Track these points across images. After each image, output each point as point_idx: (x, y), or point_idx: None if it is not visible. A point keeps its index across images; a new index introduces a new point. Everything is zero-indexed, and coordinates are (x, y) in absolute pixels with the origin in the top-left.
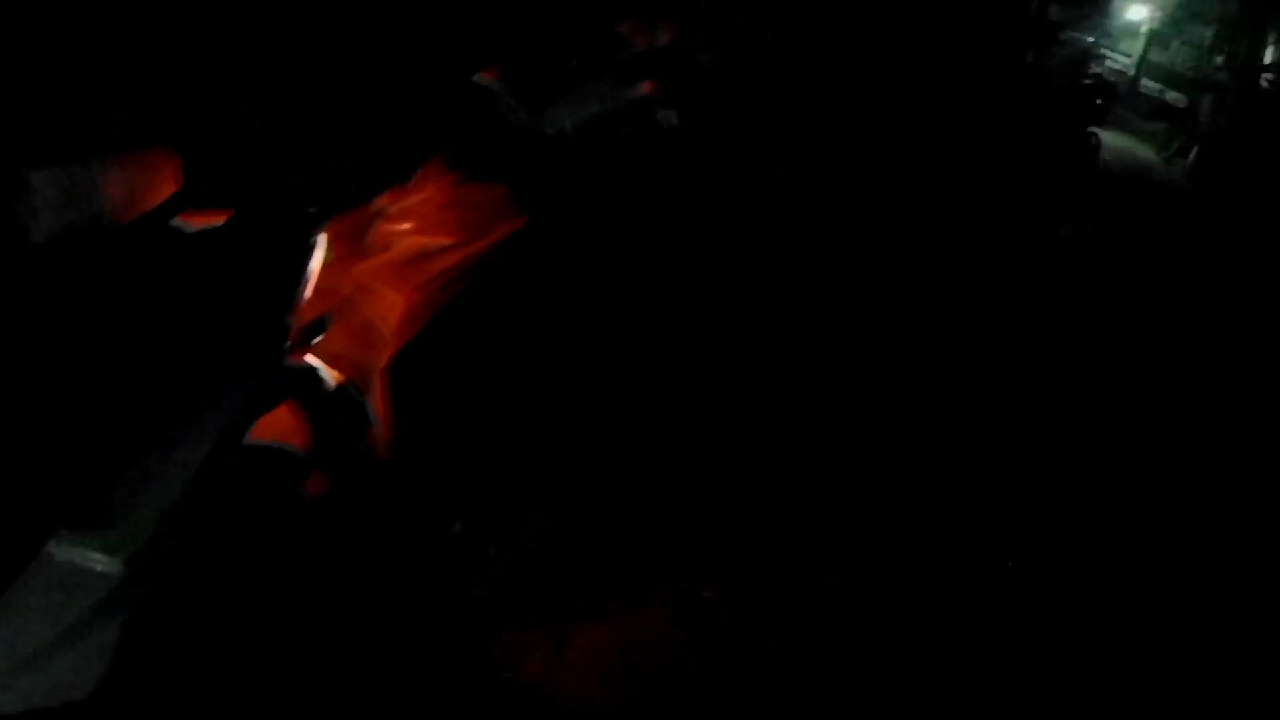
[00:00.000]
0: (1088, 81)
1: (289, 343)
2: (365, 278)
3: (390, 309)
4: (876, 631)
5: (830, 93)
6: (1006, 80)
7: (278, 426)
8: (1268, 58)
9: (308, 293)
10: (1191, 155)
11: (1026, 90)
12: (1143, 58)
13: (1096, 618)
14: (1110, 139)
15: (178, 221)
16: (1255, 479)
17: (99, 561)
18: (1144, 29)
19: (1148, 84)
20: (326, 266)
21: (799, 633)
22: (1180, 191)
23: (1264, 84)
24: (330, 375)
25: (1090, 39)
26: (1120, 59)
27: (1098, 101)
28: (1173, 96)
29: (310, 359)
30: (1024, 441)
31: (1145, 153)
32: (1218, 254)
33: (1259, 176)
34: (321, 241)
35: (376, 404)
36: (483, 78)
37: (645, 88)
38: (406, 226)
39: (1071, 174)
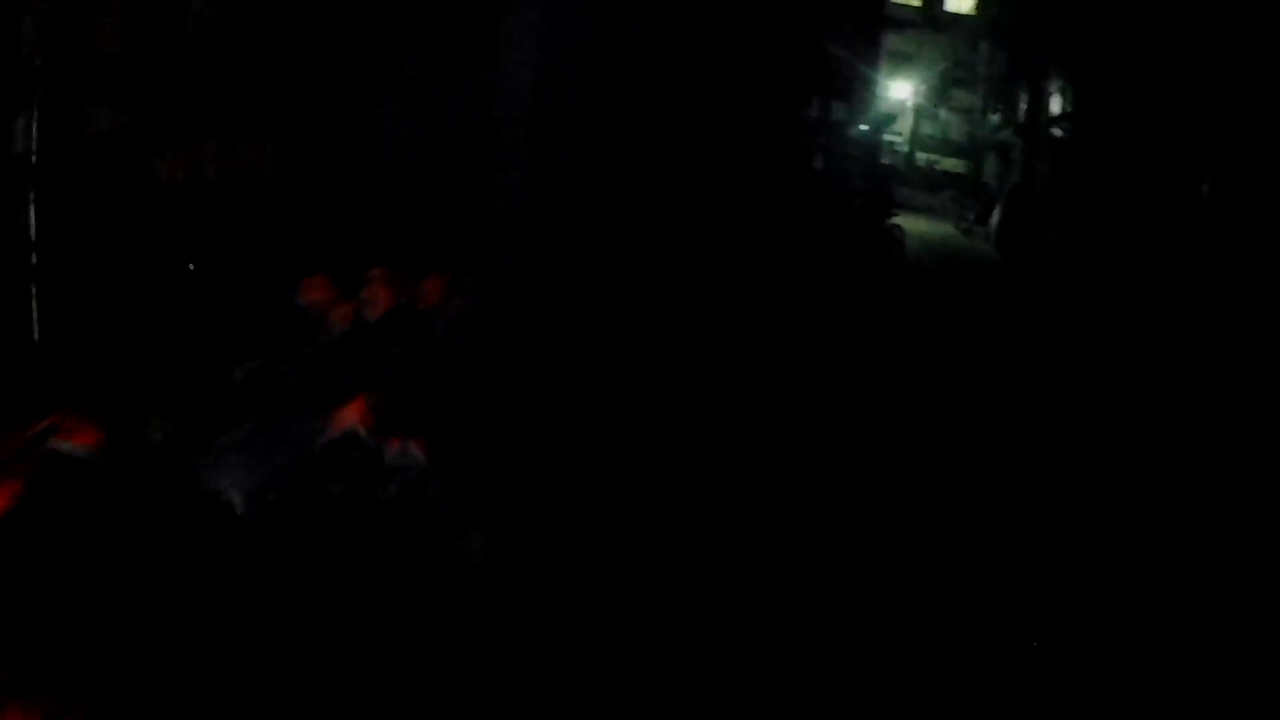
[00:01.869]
0: (880, 172)
1: None
2: None
3: None
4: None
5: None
6: (801, 192)
7: None
8: (1053, 109)
9: None
10: (992, 221)
11: (821, 198)
12: (915, 132)
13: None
14: (902, 222)
15: None
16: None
17: None
18: (910, 104)
19: (921, 156)
20: None
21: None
22: (989, 262)
23: (1056, 134)
24: None
25: (866, 127)
26: (893, 138)
27: (889, 193)
28: (950, 164)
29: None
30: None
31: (940, 228)
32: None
33: (1065, 230)
34: None
35: None
36: (65, 443)
37: (353, 413)
38: None
39: (882, 280)
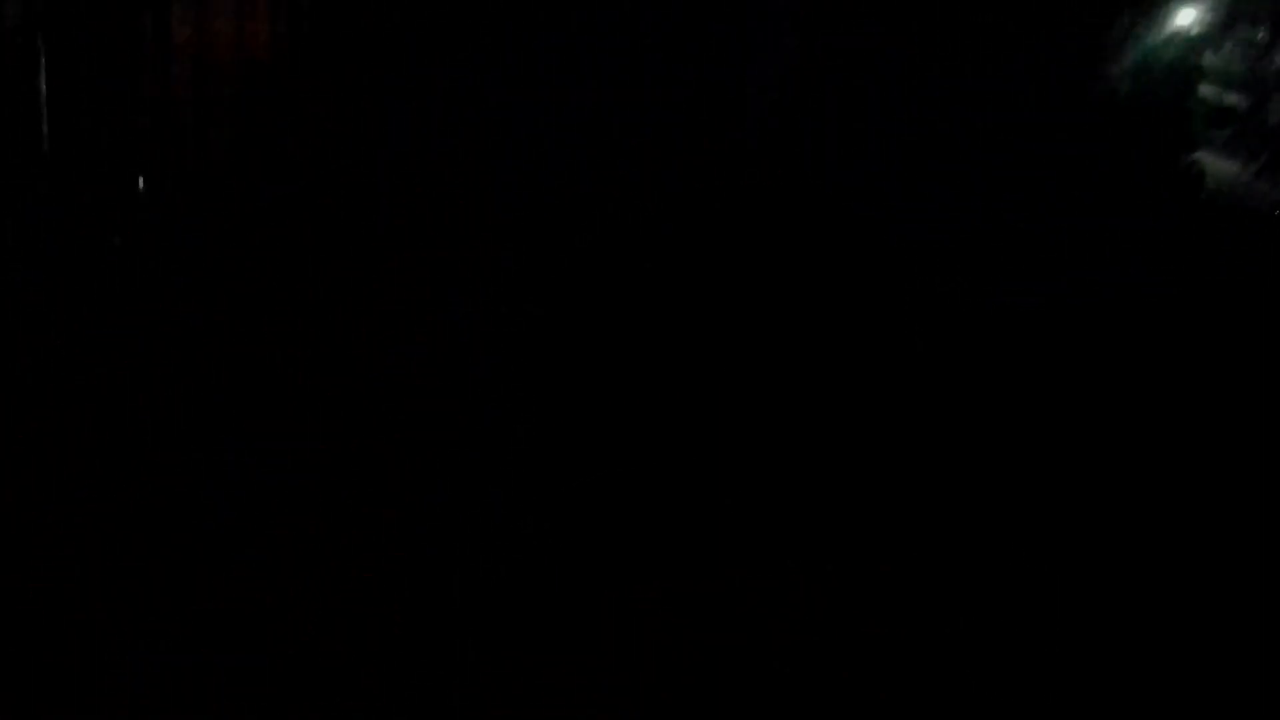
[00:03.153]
0: (1184, 102)
1: None
2: None
3: None
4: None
5: None
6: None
7: None
8: None
9: None
10: None
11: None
12: (1198, 64)
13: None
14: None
15: None
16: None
17: None
18: (1193, 33)
19: (1204, 90)
20: None
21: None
22: None
23: None
24: None
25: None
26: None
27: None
28: (1233, 100)
29: None
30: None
31: (1226, 167)
32: None
33: None
34: None
35: None
36: None
37: None
38: None
39: (1176, 215)
